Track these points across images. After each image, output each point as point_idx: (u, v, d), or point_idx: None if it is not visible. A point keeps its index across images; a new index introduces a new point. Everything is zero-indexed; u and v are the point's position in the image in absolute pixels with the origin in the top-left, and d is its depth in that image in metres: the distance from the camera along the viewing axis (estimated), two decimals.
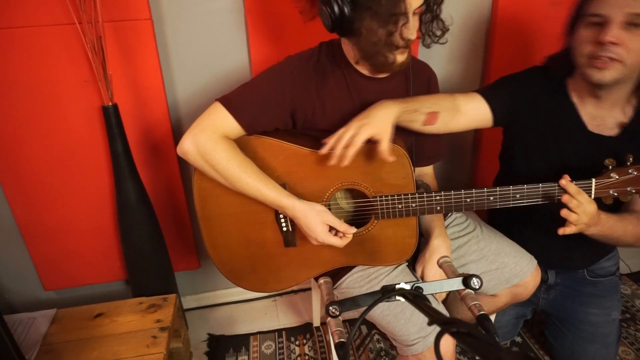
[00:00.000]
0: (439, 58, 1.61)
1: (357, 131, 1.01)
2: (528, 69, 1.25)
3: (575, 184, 1.05)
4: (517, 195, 1.08)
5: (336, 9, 0.97)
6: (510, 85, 1.24)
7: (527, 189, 1.07)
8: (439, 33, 1.08)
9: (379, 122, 1.02)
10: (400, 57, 1.05)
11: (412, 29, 1.00)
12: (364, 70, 1.13)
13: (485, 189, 1.08)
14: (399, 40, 1.00)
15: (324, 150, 1.04)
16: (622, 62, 1.00)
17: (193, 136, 1.05)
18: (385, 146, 1.02)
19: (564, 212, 1.04)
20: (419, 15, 1.04)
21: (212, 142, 1.04)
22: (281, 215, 1.13)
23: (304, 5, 1.08)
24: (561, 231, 1.05)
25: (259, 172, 1.07)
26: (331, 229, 1.08)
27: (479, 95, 1.21)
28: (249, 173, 1.05)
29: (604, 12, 0.99)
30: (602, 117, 1.15)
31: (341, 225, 1.07)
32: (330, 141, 1.04)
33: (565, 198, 1.04)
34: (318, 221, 1.06)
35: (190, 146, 1.05)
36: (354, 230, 1.09)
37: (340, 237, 1.08)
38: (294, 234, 1.16)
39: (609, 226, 1.11)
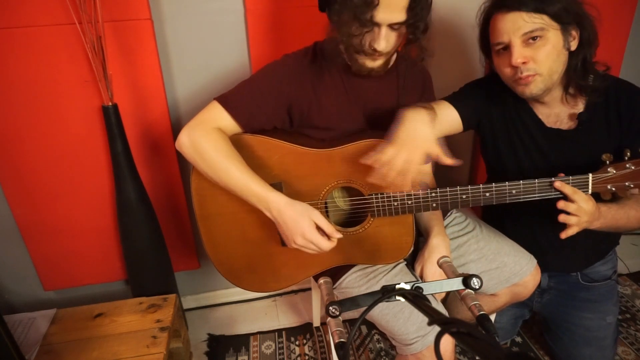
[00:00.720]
0: (439, 58, 1.60)
1: (410, 157, 0.97)
2: (488, 74, 1.29)
3: (572, 179, 1.05)
4: (514, 191, 1.08)
5: None
6: (475, 90, 1.28)
7: (523, 184, 1.07)
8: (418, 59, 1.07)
9: (426, 139, 0.99)
10: (370, 63, 1.06)
11: (381, 40, 1.00)
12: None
13: (481, 185, 1.08)
14: (363, 46, 1.00)
15: (372, 179, 0.99)
16: (539, 74, 1.08)
17: (189, 130, 1.07)
18: (448, 160, 1.00)
19: (562, 218, 1.04)
20: (401, 32, 1.03)
21: (204, 132, 1.06)
22: None
23: None
24: (563, 235, 1.05)
25: (247, 167, 1.06)
26: (318, 230, 1.05)
27: (447, 102, 1.24)
28: (236, 165, 1.05)
29: (504, 40, 1.08)
30: (557, 114, 1.20)
31: (329, 227, 1.04)
32: (377, 169, 0.98)
33: (561, 205, 1.04)
34: (306, 216, 1.03)
35: (185, 139, 1.07)
36: (340, 235, 1.06)
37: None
38: None
39: (611, 216, 1.11)
